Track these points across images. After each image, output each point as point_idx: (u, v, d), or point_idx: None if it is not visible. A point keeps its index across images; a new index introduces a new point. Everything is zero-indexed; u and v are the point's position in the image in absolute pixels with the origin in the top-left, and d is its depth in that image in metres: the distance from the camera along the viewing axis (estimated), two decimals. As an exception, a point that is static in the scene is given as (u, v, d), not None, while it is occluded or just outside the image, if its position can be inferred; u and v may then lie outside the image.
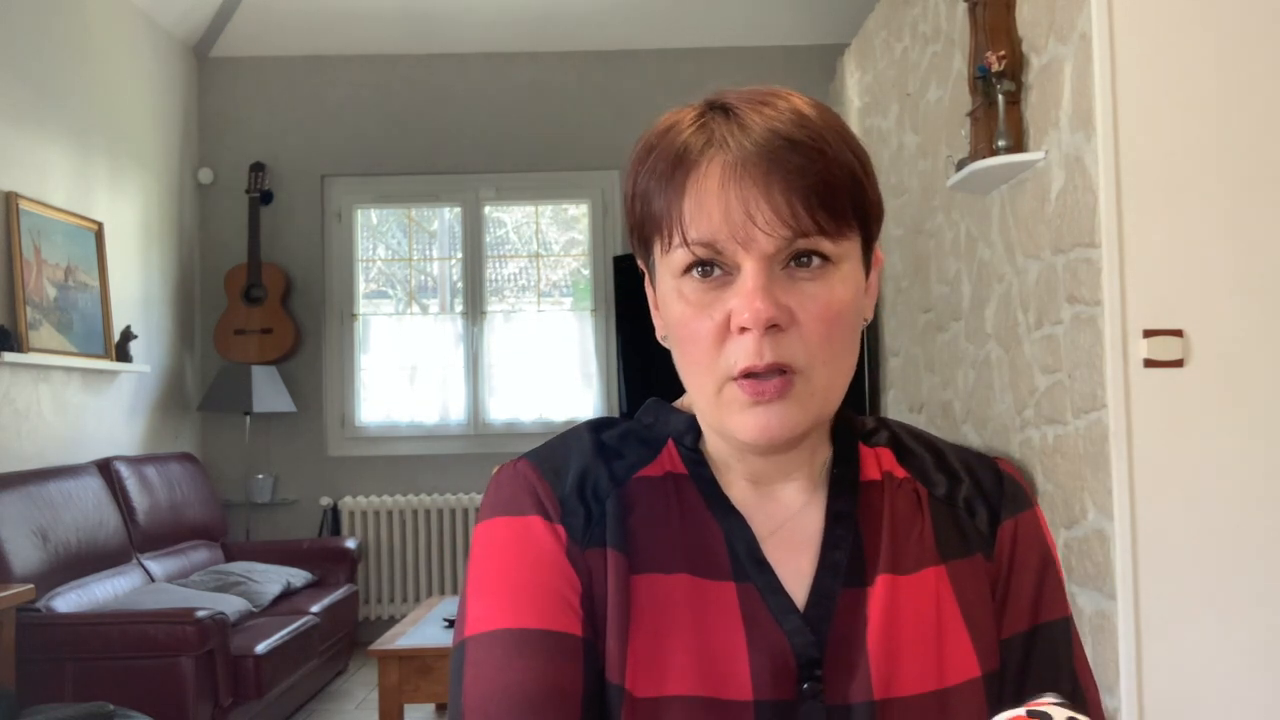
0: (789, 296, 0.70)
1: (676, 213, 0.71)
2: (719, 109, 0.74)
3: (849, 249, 0.73)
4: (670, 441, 0.81)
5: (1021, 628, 0.79)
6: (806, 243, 0.70)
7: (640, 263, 0.80)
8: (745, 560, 0.76)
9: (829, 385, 0.73)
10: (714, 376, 0.73)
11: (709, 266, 0.71)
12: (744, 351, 0.70)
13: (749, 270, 0.70)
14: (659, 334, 0.80)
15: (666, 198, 0.72)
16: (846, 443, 0.82)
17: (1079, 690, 0.79)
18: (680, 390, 0.86)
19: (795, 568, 0.76)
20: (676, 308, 0.73)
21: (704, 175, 0.71)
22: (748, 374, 0.71)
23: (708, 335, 0.72)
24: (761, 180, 0.70)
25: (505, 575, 0.74)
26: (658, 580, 0.74)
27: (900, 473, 0.81)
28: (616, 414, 5.40)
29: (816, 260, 0.71)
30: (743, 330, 0.70)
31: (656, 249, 0.75)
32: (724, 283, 0.71)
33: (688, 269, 0.72)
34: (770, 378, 0.71)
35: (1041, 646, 0.78)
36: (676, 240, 0.72)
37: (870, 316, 0.78)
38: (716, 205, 0.70)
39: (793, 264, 0.71)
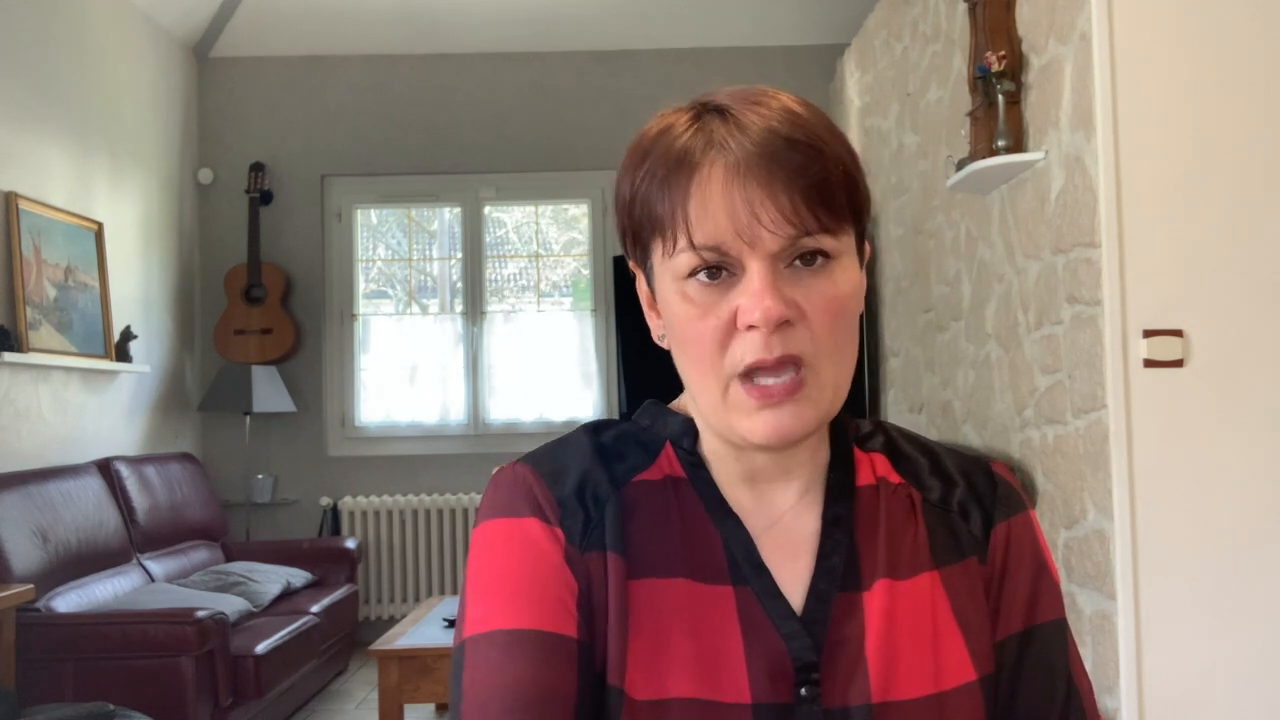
0: (795, 291, 0.71)
1: (681, 216, 0.71)
2: (713, 110, 0.74)
3: (847, 243, 0.73)
4: (668, 444, 0.81)
5: (1015, 629, 0.79)
6: (810, 241, 0.71)
7: (634, 265, 0.80)
8: (743, 564, 0.76)
9: (836, 379, 0.74)
10: (719, 377, 0.72)
11: (715, 270, 0.72)
12: (751, 347, 0.70)
13: (755, 269, 0.70)
14: (655, 334, 0.80)
15: (669, 202, 0.72)
16: (842, 447, 0.82)
17: (1074, 691, 0.80)
18: (679, 390, 0.86)
19: (792, 572, 0.77)
20: (680, 309, 0.73)
21: (707, 178, 0.70)
22: (755, 369, 0.71)
23: (713, 335, 0.72)
24: (765, 180, 0.70)
25: (503, 577, 0.74)
26: (656, 584, 0.75)
27: (895, 478, 0.82)
28: (616, 414, 5.40)
29: (820, 258, 0.72)
30: (750, 328, 0.70)
31: (657, 252, 0.74)
32: (729, 283, 0.71)
33: (692, 272, 0.72)
34: (779, 379, 0.71)
35: (1035, 648, 0.79)
36: (681, 244, 0.71)
37: (861, 308, 0.79)
38: (721, 207, 0.70)
39: (797, 262, 0.71)
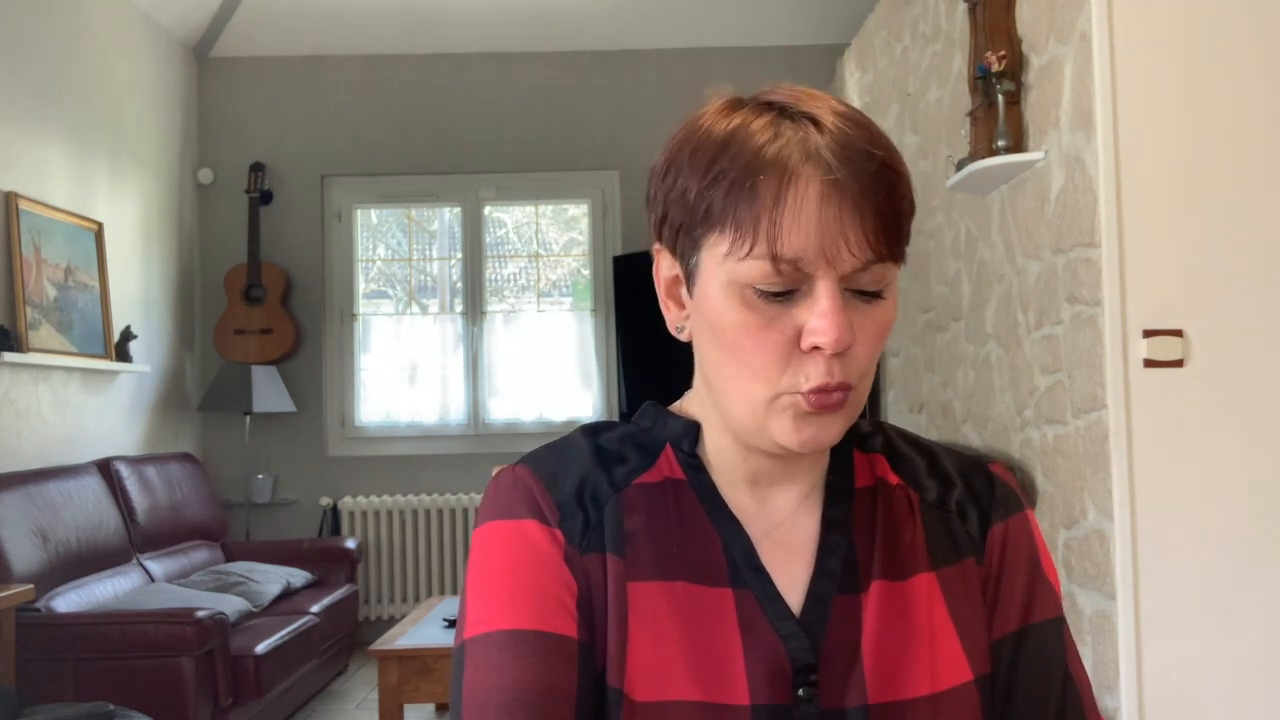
0: (853, 317, 0.71)
1: (766, 223, 0.69)
2: (801, 117, 0.72)
3: (895, 272, 0.74)
4: (668, 446, 0.81)
5: (1011, 629, 0.80)
6: (880, 269, 0.71)
7: (661, 250, 0.78)
8: (742, 566, 0.76)
9: (864, 397, 0.75)
10: (772, 388, 0.72)
11: (785, 284, 0.70)
12: (817, 371, 0.70)
13: (825, 290, 0.69)
14: (672, 325, 0.79)
15: (754, 205, 0.69)
16: (842, 449, 0.83)
17: (1072, 688, 0.80)
18: (679, 391, 0.86)
19: (790, 573, 0.77)
20: (736, 315, 0.72)
21: (804, 191, 0.68)
22: (815, 392, 0.71)
23: (774, 348, 0.71)
24: (857, 200, 0.69)
25: (502, 578, 0.75)
26: (656, 586, 0.75)
27: (893, 479, 0.82)
28: (617, 414, 5.40)
29: (881, 288, 0.72)
30: (814, 349, 0.70)
31: (717, 249, 0.72)
32: (791, 298, 0.71)
33: (758, 281, 0.70)
34: (834, 392, 0.72)
35: (1032, 646, 0.79)
36: (758, 250, 0.69)
37: None
38: (814, 223, 0.68)
39: (858, 292, 0.71)
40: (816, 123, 0.71)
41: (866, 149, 0.70)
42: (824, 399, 0.71)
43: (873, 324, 0.72)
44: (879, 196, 0.69)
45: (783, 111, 0.72)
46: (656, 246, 0.78)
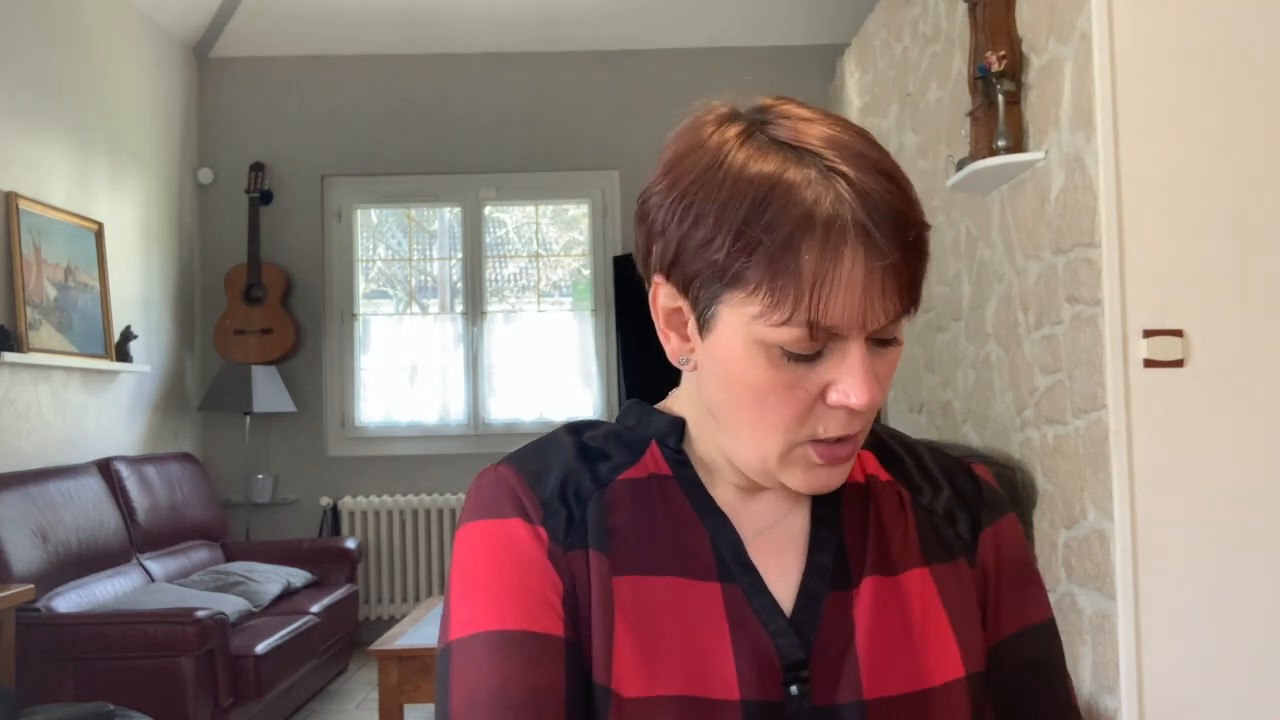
0: (872, 362, 0.71)
1: (808, 295, 0.67)
2: (833, 173, 0.68)
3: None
4: (653, 443, 0.81)
5: (1008, 632, 0.80)
6: (904, 320, 0.71)
7: (662, 280, 0.74)
8: (731, 561, 0.76)
9: (869, 428, 0.76)
10: (788, 439, 0.72)
11: (817, 348, 0.70)
12: (837, 423, 0.71)
13: (856, 350, 0.69)
14: (674, 356, 0.77)
15: (796, 279, 0.67)
16: None
17: (1068, 689, 0.81)
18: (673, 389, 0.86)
19: (781, 569, 0.77)
20: (759, 373, 0.70)
21: (850, 266, 0.67)
22: (831, 442, 0.72)
23: (798, 404, 0.70)
24: (896, 274, 0.68)
25: (487, 578, 0.74)
26: (642, 581, 0.75)
27: (884, 476, 0.82)
28: (616, 414, 5.40)
29: (895, 343, 0.73)
30: (840, 404, 0.70)
31: (744, 309, 0.69)
32: (819, 356, 0.70)
33: (792, 345, 0.69)
34: (847, 442, 0.73)
35: (1027, 649, 0.80)
36: (798, 320, 0.67)
37: None
38: (856, 294, 0.67)
39: (879, 342, 0.72)
40: (850, 181, 0.68)
41: (904, 213, 0.69)
42: (836, 452, 0.72)
43: (887, 365, 0.73)
44: (913, 264, 0.70)
45: (813, 161, 0.69)
46: (657, 279, 0.75)
